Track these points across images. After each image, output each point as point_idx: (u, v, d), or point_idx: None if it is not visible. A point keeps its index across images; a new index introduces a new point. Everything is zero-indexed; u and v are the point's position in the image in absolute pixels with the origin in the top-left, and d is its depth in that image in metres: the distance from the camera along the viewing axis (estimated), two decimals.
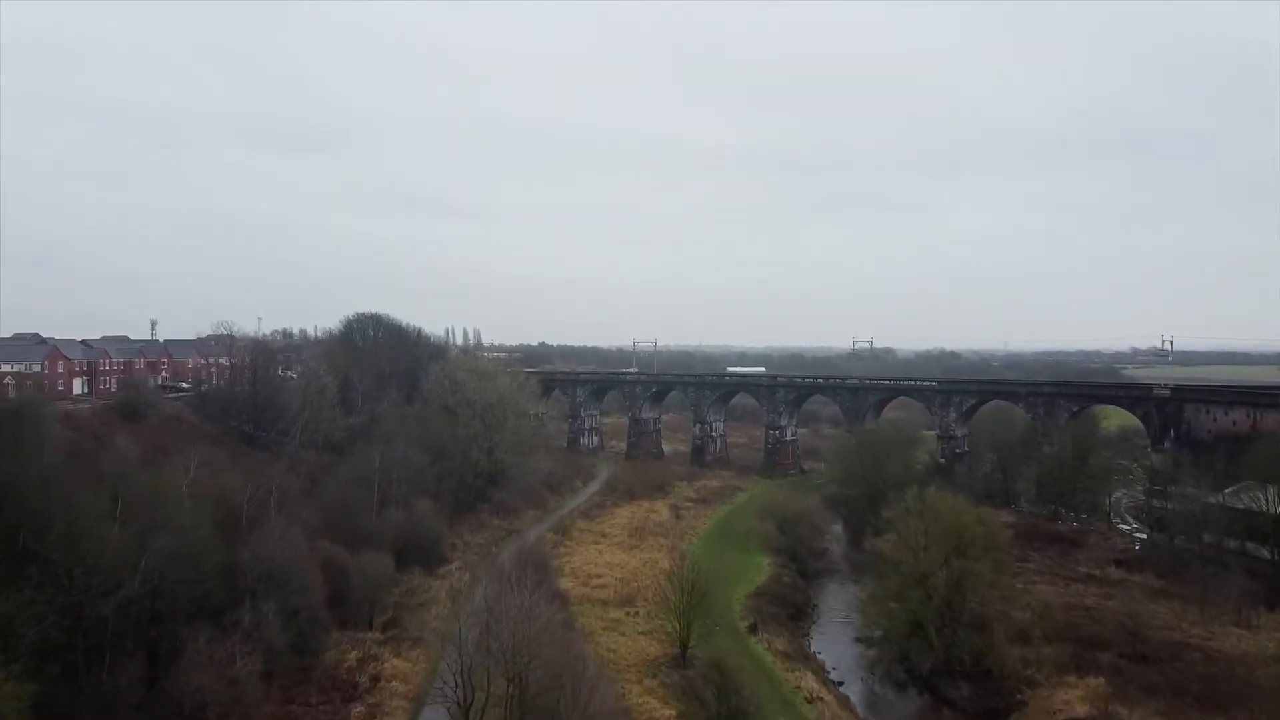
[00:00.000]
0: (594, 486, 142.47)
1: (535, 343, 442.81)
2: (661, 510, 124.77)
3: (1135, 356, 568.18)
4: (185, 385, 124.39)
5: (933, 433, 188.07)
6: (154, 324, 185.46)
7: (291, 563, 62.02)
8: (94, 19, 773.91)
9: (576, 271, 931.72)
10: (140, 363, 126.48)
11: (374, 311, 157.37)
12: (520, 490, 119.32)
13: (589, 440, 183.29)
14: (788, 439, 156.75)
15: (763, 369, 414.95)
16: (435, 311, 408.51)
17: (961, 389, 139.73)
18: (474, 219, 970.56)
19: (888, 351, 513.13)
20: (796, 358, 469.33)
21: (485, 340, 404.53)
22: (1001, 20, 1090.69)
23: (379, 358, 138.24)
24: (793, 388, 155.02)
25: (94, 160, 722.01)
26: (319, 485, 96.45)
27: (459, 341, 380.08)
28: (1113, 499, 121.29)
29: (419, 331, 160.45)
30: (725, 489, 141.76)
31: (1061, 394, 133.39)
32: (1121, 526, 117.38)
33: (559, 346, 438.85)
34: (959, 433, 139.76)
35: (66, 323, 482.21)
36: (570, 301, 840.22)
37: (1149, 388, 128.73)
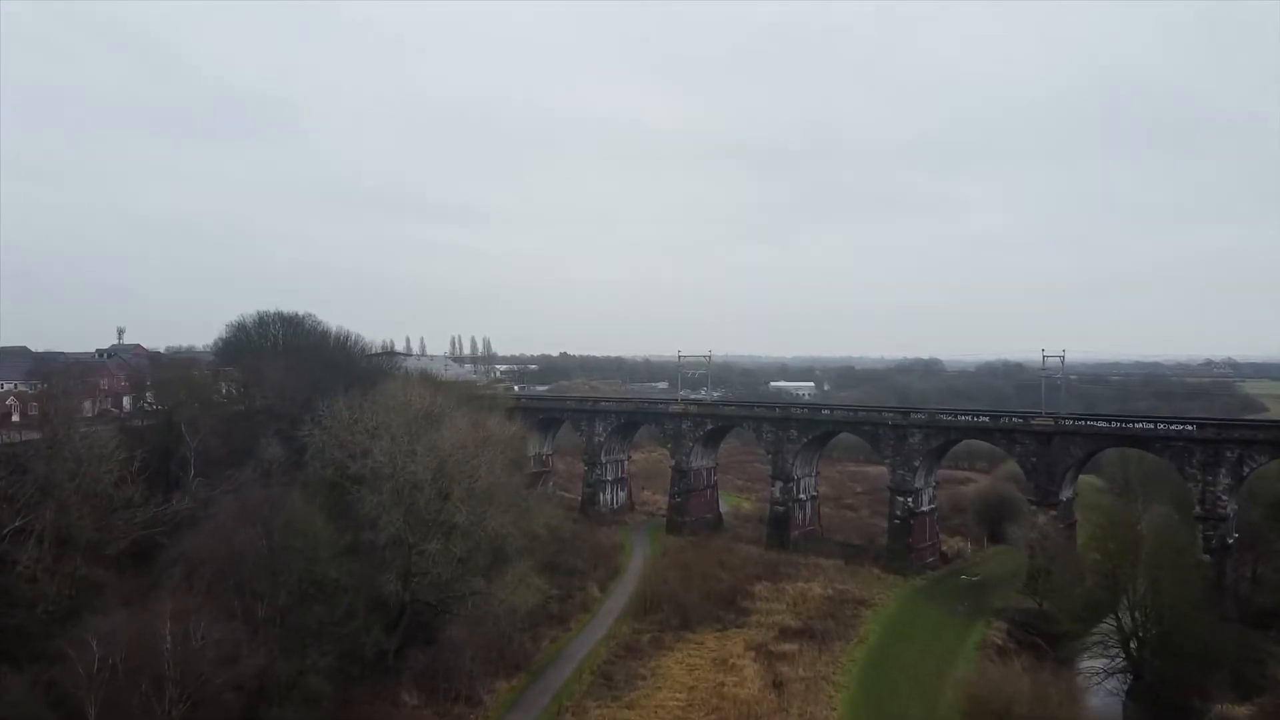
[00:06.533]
0: (619, 597, 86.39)
1: (556, 353, 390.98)
2: (743, 662, 68.57)
3: (1211, 369, 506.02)
4: None
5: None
6: (121, 332, 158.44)
7: None
8: None
9: (585, 278, 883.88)
10: None
11: (286, 311, 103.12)
12: (483, 634, 63.33)
13: (612, 497, 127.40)
14: (924, 509, 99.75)
15: (810, 384, 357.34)
16: (442, 323, 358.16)
17: (1243, 437, 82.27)
18: (475, 225, 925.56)
19: (934, 363, 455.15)
20: (848, 371, 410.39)
21: (499, 351, 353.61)
22: None
23: (264, 385, 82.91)
24: (936, 430, 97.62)
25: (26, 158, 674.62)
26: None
27: (466, 352, 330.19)
28: None
29: (354, 340, 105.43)
30: (838, 601, 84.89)
31: None
32: None
33: (580, 357, 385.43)
34: (1230, 509, 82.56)
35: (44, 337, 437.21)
36: (586, 310, 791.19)
37: None
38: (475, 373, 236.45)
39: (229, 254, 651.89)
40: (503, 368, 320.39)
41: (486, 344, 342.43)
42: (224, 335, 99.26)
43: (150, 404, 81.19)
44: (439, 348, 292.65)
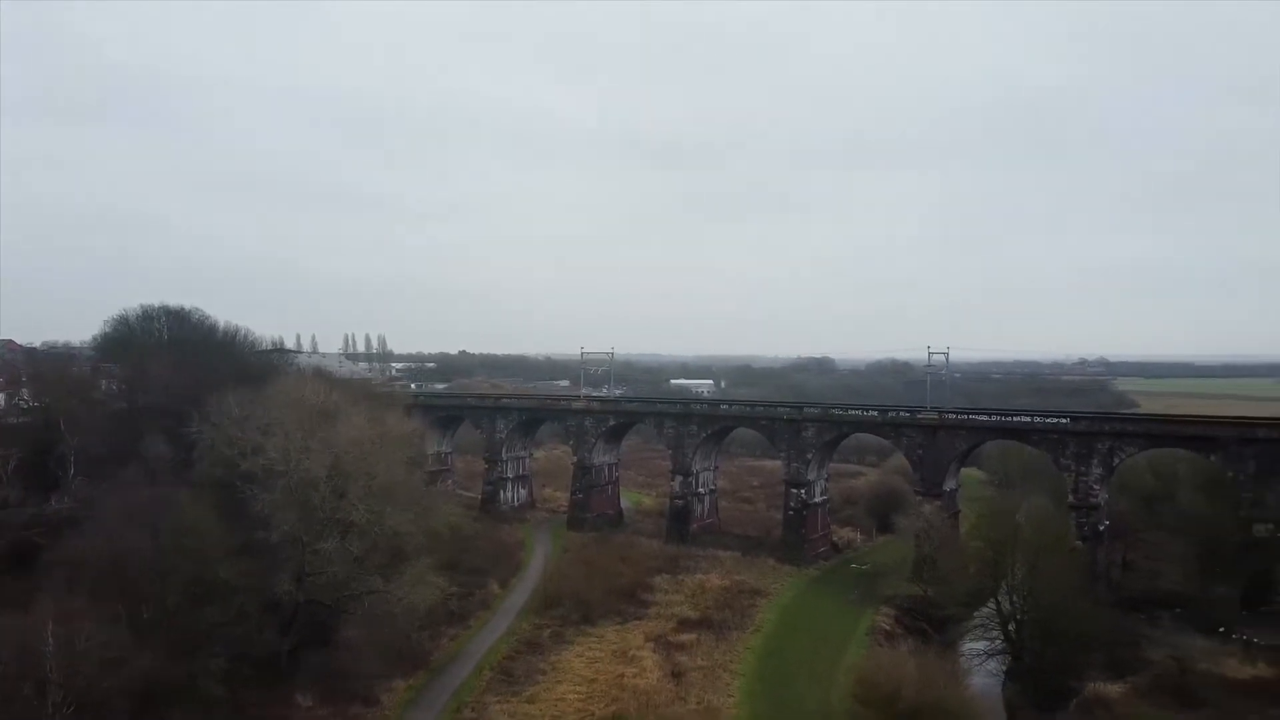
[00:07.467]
0: (520, 594, 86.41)
1: (455, 351, 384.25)
2: (643, 655, 69.49)
3: (1085, 368, 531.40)
4: None
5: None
6: None
7: None
8: None
9: (485, 275, 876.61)
10: None
11: (172, 305, 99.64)
12: (381, 634, 62.81)
13: (513, 495, 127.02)
14: (816, 500, 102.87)
15: (710, 382, 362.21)
16: (334, 321, 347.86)
17: (1114, 430, 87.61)
18: (371, 216, 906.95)
19: (827, 361, 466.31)
20: (745, 369, 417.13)
21: (396, 349, 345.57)
22: None
23: (149, 381, 79.92)
24: (829, 425, 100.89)
25: None
26: None
27: (361, 350, 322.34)
28: None
29: (243, 335, 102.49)
30: (735, 591, 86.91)
31: None
32: None
33: (481, 355, 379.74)
34: (1101, 498, 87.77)
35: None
36: (486, 308, 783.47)
37: None
38: (371, 370, 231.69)
39: (103, 245, 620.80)
40: (399, 366, 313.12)
41: (382, 341, 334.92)
42: (106, 330, 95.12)
43: (26, 401, 77.42)
44: (332, 346, 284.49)
